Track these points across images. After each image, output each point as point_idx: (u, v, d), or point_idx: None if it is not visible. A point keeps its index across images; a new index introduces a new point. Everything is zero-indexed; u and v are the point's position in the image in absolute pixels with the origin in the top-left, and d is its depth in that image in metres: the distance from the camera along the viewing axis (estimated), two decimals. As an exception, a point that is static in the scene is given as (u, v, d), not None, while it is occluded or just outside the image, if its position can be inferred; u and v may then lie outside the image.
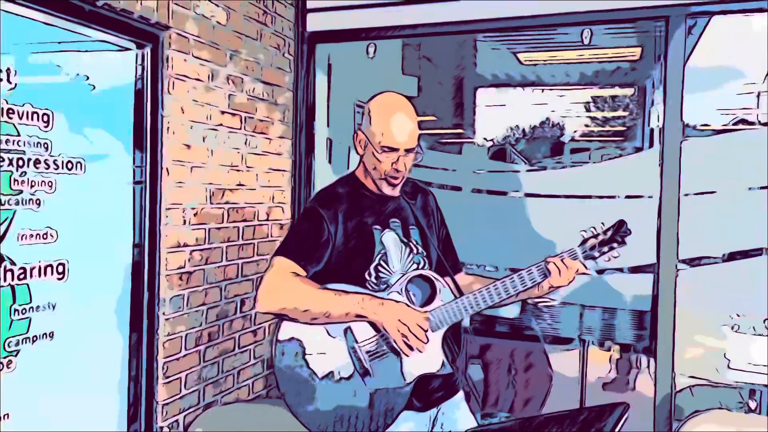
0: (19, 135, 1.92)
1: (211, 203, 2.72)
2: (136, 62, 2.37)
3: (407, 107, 1.97)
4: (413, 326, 1.86)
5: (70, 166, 2.09)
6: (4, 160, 1.87)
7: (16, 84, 1.87)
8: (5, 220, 1.89)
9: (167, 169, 2.46)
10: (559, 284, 2.01)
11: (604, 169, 3.35)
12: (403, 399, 1.94)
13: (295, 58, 3.36)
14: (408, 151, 1.92)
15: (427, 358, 1.94)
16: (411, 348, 1.89)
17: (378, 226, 1.97)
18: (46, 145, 2.00)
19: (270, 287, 1.84)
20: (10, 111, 1.88)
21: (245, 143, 2.96)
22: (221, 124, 2.78)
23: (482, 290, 1.97)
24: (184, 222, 2.56)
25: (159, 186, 2.44)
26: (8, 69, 1.85)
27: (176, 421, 2.56)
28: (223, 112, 2.79)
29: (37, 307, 2.00)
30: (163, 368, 2.46)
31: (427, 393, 2.06)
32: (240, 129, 2.91)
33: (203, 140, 2.65)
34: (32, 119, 1.95)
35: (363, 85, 4.83)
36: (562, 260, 2.00)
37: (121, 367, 2.38)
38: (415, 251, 2.02)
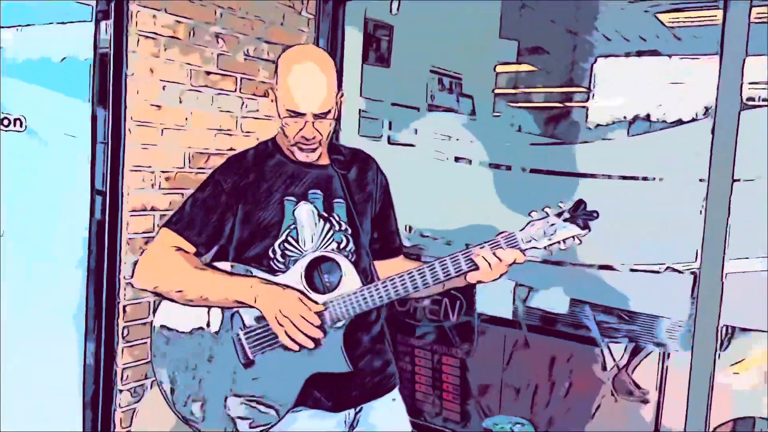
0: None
1: (191, 167, 2.63)
2: (95, 18, 2.31)
3: (322, 63, 1.67)
4: (296, 319, 1.60)
5: (6, 122, 2.08)
6: None
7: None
8: None
9: (129, 129, 2.39)
10: (488, 279, 1.66)
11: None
12: (291, 396, 1.70)
13: (316, 17, 3.14)
14: (319, 116, 1.63)
15: (324, 354, 1.68)
16: (297, 343, 1.64)
17: (292, 198, 1.70)
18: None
19: (146, 262, 1.67)
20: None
21: (241, 106, 2.82)
22: (206, 86, 2.66)
23: (394, 278, 1.66)
24: (153, 185, 2.49)
25: (122, 147, 2.38)
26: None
27: (141, 385, 2.54)
28: (209, 73, 2.66)
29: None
30: (123, 332, 2.44)
31: (337, 392, 1.80)
32: (234, 91, 2.78)
33: (179, 102, 2.55)
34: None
35: (434, 49, 4.53)
36: (493, 252, 1.62)
37: (77, 329, 2.38)
38: (336, 228, 1.74)
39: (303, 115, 1.62)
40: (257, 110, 2.90)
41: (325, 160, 1.77)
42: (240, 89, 2.81)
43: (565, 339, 3.40)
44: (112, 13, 2.31)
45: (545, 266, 3.00)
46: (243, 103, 2.83)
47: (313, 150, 1.68)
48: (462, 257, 1.68)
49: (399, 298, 1.68)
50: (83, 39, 2.28)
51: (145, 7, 2.39)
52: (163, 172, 2.53)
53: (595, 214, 1.69)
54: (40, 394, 2.24)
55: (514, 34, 6.09)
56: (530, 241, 1.66)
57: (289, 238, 1.70)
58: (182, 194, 2.60)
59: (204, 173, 2.49)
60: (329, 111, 1.63)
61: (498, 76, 5.81)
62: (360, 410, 1.88)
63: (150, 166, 2.47)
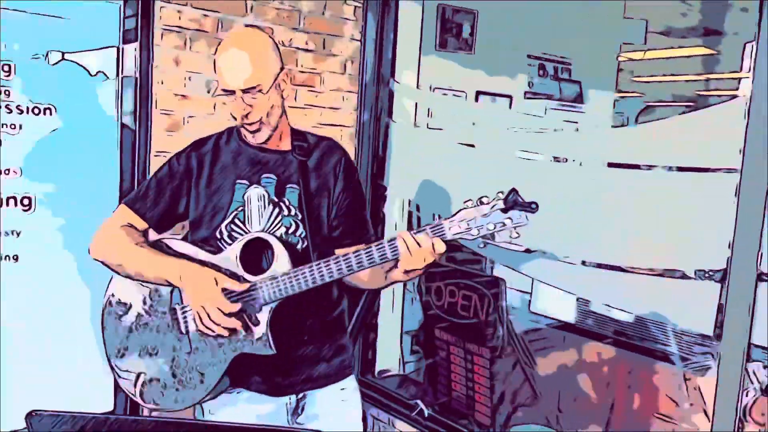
0: (-24, 81, 2.24)
1: (220, 154, 2.76)
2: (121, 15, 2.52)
3: (248, 42, 1.70)
4: (209, 308, 1.65)
5: (36, 111, 2.36)
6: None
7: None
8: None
9: (154, 118, 2.58)
10: (411, 267, 1.59)
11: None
12: (217, 374, 1.73)
13: (364, 4, 3.13)
14: (246, 91, 1.65)
15: (249, 336, 1.70)
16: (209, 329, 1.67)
17: (244, 181, 1.76)
18: (7, 92, 2.29)
19: (97, 236, 1.81)
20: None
21: (276, 95, 2.90)
22: (236, 75, 2.77)
23: (321, 263, 1.65)
24: (179, 170, 2.66)
25: (149, 135, 2.58)
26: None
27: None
28: (238, 63, 2.77)
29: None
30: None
31: (272, 376, 1.81)
32: (268, 80, 2.86)
33: (208, 92, 2.69)
34: (-10, 69, 2.26)
35: (534, 32, 4.28)
36: (413, 237, 1.55)
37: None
38: (285, 213, 1.76)
39: (233, 92, 1.66)
40: (296, 100, 2.97)
41: (285, 146, 1.79)
42: (274, 79, 2.89)
43: (630, 350, 3.06)
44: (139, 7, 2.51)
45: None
46: (278, 92, 2.91)
47: (257, 130, 1.70)
48: (387, 243, 1.61)
49: (324, 283, 1.65)
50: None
51: (169, 2, 2.56)
52: (189, 157, 2.69)
53: (534, 206, 1.53)
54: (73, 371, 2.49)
55: (642, 14, 5.55)
56: (457, 230, 1.57)
57: (236, 220, 1.75)
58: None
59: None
60: (257, 87, 1.64)
61: (619, 62, 5.31)
62: (303, 397, 1.86)
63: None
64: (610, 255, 2.57)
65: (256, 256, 1.71)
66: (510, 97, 4.36)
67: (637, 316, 3.00)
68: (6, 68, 2.28)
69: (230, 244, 1.75)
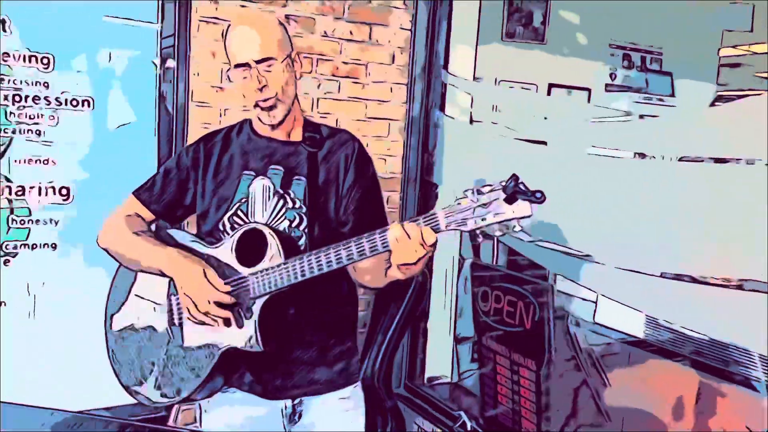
0: (13, 74, 2.32)
1: (258, 147, 2.72)
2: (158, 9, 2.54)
3: (256, 21, 1.72)
4: (196, 297, 1.59)
5: (75, 102, 2.42)
6: (-1, 96, 2.31)
7: (11, 31, 2.26)
8: (2, 145, 2.33)
9: (190, 110, 2.58)
10: (403, 260, 1.45)
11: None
12: (206, 367, 1.66)
13: (416, -8, 2.99)
14: (260, 62, 1.59)
15: (239, 330, 1.62)
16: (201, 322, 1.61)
17: (251, 172, 1.70)
18: (46, 84, 2.36)
19: (104, 225, 1.80)
20: (6, 55, 2.29)
21: (318, 87, 2.83)
22: (275, 67, 2.72)
23: (311, 255, 1.55)
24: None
25: (186, 127, 2.58)
26: (3, 19, 2.25)
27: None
28: (277, 55, 2.72)
29: (37, 220, 2.41)
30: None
31: (265, 377, 1.72)
32: (309, 72, 2.80)
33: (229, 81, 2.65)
34: (30, 62, 2.33)
35: (619, 20, 3.96)
36: (402, 226, 1.44)
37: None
38: (290, 206, 1.68)
39: (247, 65, 1.60)
40: (338, 91, 2.88)
41: (296, 137, 1.71)
42: (316, 70, 2.82)
43: (707, 372, 2.72)
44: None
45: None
46: (319, 84, 2.83)
47: (273, 106, 1.62)
48: (379, 234, 1.48)
49: (318, 273, 1.54)
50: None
51: (205, -6, 2.55)
52: (225, 150, 2.66)
53: (538, 195, 1.34)
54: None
55: (749, -4, 5.02)
56: (453, 220, 1.42)
57: (239, 212, 1.68)
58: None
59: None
60: (271, 58, 1.59)
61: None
62: (300, 403, 1.76)
63: (213, 145, 2.63)
64: (686, 264, 2.28)
65: (253, 248, 1.62)
66: (588, 90, 4.04)
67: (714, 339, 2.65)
68: (45, 60, 2.35)
69: (231, 235, 1.68)
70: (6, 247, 2.38)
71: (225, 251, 1.64)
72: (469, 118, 3.14)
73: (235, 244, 1.63)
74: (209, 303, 1.57)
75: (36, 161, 2.39)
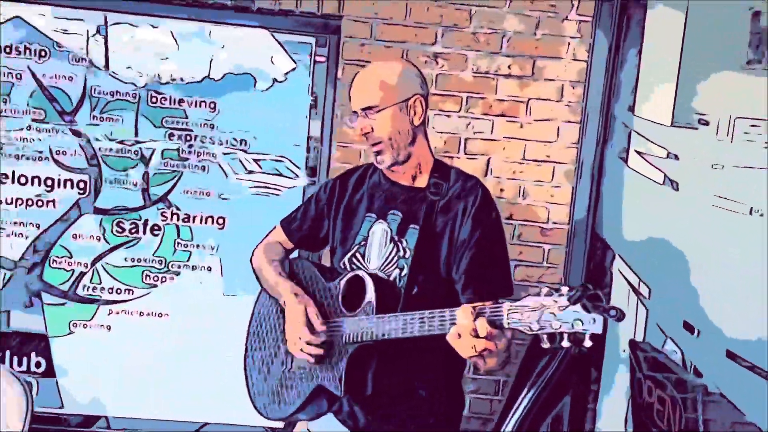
0: (186, 117, 2.70)
1: (397, 187, 2.66)
2: (311, 54, 2.69)
3: (380, 65, 1.70)
4: (294, 340, 1.64)
5: (234, 141, 2.70)
6: (174, 136, 2.70)
7: (181, 78, 2.66)
8: (174, 178, 2.72)
9: (332, 152, 2.66)
10: (457, 347, 1.38)
11: None
12: (299, 399, 1.68)
13: (595, 19, 2.62)
14: (365, 110, 1.61)
15: (328, 370, 1.62)
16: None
17: (373, 215, 1.70)
18: (212, 126, 2.70)
19: (256, 248, 1.91)
20: (180, 100, 2.68)
21: (467, 127, 2.66)
22: (420, 107, 2.64)
23: (390, 317, 1.52)
24: (353, 201, 2.67)
25: (327, 169, 2.67)
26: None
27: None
28: (422, 94, 2.64)
29: (197, 245, 2.75)
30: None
31: (351, 423, 1.70)
32: (458, 111, 2.65)
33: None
34: (200, 106, 2.69)
35: None
36: (462, 312, 1.37)
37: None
38: (401, 254, 1.63)
39: (356, 113, 1.65)
40: (491, 131, 2.66)
41: (422, 182, 1.68)
42: (466, 109, 2.65)
43: None
44: (314, 48, 2.65)
45: None
46: (469, 123, 2.66)
47: (379, 152, 1.63)
48: (438, 317, 1.43)
49: (393, 337, 1.50)
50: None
51: (352, 37, 2.61)
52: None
53: (613, 312, 1.20)
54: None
55: None
56: (518, 318, 1.30)
57: (357, 254, 1.71)
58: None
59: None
60: (374, 106, 1.59)
61: None
62: None
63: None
64: None
65: (358, 293, 1.61)
66: None
67: None
68: (212, 105, 2.68)
69: None
70: (171, 266, 2.75)
71: (336, 290, 1.66)
72: (663, 177, 2.57)
73: (344, 286, 1.64)
74: (302, 341, 1.61)
75: (200, 193, 2.72)
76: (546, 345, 1.28)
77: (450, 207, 1.61)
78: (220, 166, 2.71)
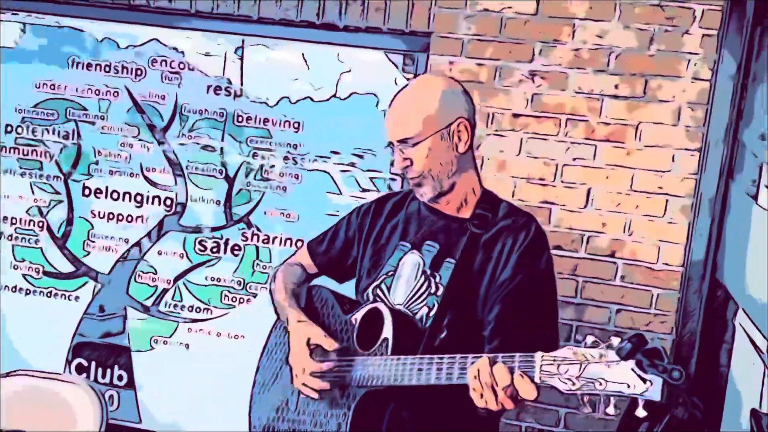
0: (271, 137, 2.65)
1: (484, 217, 2.45)
2: (402, 70, 2.55)
3: (416, 89, 1.49)
4: (298, 372, 1.49)
5: (317, 164, 2.62)
6: (257, 156, 2.66)
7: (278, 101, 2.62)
8: (257, 199, 2.67)
9: (415, 173, 2.49)
10: (475, 400, 1.21)
11: None
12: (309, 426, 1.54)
13: (721, 31, 2.28)
14: (401, 142, 1.42)
15: (334, 410, 1.47)
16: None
17: (406, 244, 1.53)
18: (295, 146, 2.63)
19: (278, 270, 1.75)
20: (266, 120, 2.64)
21: (565, 152, 2.40)
22: (512, 129, 2.42)
23: (406, 360, 1.34)
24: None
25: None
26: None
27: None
28: (517, 116, 2.42)
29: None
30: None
31: None
32: (555, 134, 2.40)
33: (476, 148, 2.42)
34: (285, 126, 2.63)
35: None
36: (491, 366, 1.19)
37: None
38: (432, 290, 1.46)
39: (393, 145, 1.48)
40: (593, 157, 2.39)
41: (466, 213, 1.49)
42: (565, 132, 2.40)
43: None
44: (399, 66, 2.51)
45: None
46: (568, 148, 2.40)
47: (418, 184, 1.46)
48: (458, 364, 1.26)
49: (408, 384, 1.32)
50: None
51: (441, 55, 2.45)
52: (446, 217, 2.48)
53: (676, 374, 0.99)
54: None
55: None
56: (551, 372, 1.10)
57: (383, 286, 1.53)
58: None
59: (499, 224, 2.35)
60: (411, 138, 1.41)
61: None
62: None
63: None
64: None
65: (375, 329, 1.44)
66: None
67: None
68: (296, 125, 2.62)
69: None
70: (250, 287, 2.70)
71: (352, 324, 1.50)
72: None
73: (360, 320, 1.48)
74: (305, 374, 1.45)
75: (281, 214, 2.66)
76: (587, 409, 1.06)
77: (495, 243, 1.42)
78: (334, 182, 2.60)
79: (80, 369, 2.80)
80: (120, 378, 2.80)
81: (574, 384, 1.04)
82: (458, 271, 1.41)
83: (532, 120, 2.41)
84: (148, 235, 2.74)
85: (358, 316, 1.49)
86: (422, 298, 1.45)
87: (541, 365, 1.10)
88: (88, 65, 2.71)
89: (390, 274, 1.51)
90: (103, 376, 2.80)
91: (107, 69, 2.70)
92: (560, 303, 2.36)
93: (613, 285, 2.40)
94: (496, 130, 2.43)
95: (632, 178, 2.37)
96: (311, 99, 2.60)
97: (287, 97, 2.61)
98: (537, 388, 1.11)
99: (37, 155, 2.77)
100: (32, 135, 2.76)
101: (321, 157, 2.62)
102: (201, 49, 2.64)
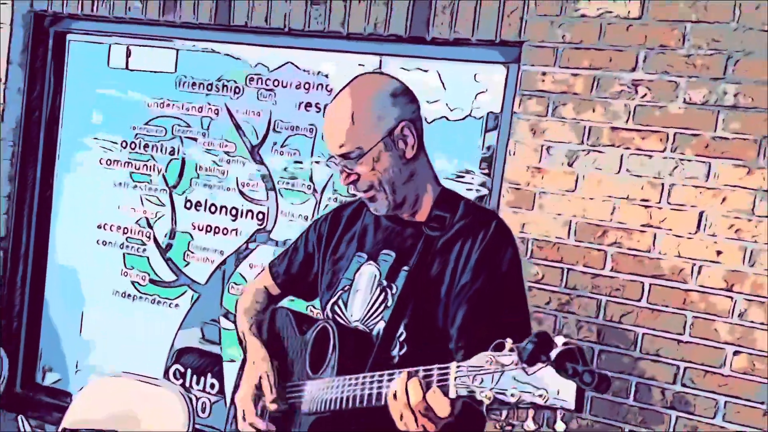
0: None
1: (578, 240, 2.24)
2: (506, 83, 2.41)
3: (353, 90, 1.35)
4: (247, 413, 1.45)
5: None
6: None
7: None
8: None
9: (503, 194, 2.33)
10: (394, 416, 1.11)
11: None
12: None
13: None
14: (345, 156, 1.31)
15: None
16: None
17: (363, 254, 1.42)
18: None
19: (243, 293, 1.71)
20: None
21: (673, 170, 2.14)
22: (612, 145, 2.20)
23: (349, 379, 1.27)
24: (524, 253, 2.30)
25: (497, 210, 2.36)
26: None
27: None
28: (615, 129, 2.19)
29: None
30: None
31: None
32: (662, 151, 2.15)
33: (569, 164, 2.24)
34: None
35: None
36: (406, 380, 1.09)
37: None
38: (389, 303, 1.34)
39: (334, 158, 1.39)
40: (707, 176, 2.10)
41: (422, 216, 1.38)
42: (673, 148, 2.13)
43: None
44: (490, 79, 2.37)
45: None
46: (677, 166, 2.13)
47: (372, 198, 1.36)
48: (387, 378, 1.14)
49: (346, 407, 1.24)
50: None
51: (532, 65, 2.28)
52: (536, 240, 2.29)
53: (588, 377, 0.83)
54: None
55: None
56: (465, 383, 0.97)
57: (340, 302, 1.44)
58: (561, 269, 2.27)
59: (595, 248, 2.19)
60: (353, 152, 1.30)
61: None
62: None
63: (525, 233, 2.31)
64: None
65: (325, 349, 1.36)
66: None
67: None
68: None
69: None
70: (333, 303, 2.67)
71: (305, 345, 1.42)
72: None
73: (312, 341, 1.39)
74: (247, 420, 1.43)
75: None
76: (508, 429, 1.07)
77: (452, 245, 1.29)
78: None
79: (177, 375, 2.92)
80: (212, 386, 2.88)
81: (485, 394, 0.90)
82: (412, 278, 1.30)
83: (635, 134, 2.17)
84: (240, 248, 2.81)
85: (309, 337, 1.40)
86: (378, 312, 1.34)
87: (456, 376, 0.95)
88: (193, 84, 2.84)
89: (346, 288, 1.41)
90: (198, 383, 2.90)
91: (209, 87, 2.82)
92: (667, 340, 2.12)
93: (731, 324, 2.09)
94: (593, 145, 2.22)
95: (754, 201, 2.05)
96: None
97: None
98: (451, 403, 0.96)
99: (147, 170, 2.95)
100: (143, 150, 2.94)
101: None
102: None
